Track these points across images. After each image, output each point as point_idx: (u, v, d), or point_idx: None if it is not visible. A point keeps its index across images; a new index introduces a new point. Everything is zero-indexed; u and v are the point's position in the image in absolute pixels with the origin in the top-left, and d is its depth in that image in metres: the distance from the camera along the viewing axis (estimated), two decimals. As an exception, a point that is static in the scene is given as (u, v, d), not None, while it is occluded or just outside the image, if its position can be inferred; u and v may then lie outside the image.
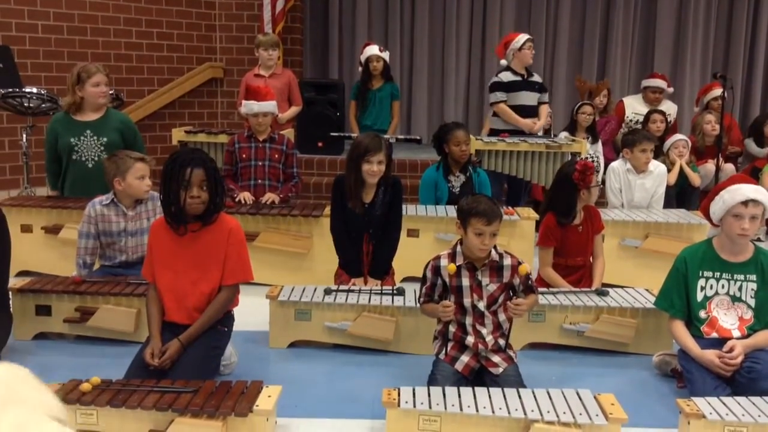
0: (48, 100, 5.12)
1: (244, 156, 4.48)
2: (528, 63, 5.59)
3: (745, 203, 2.75)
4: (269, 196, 4.41)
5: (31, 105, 5.10)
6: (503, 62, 5.72)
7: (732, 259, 2.86)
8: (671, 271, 2.96)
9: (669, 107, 6.44)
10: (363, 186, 3.58)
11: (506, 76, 5.61)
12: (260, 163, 4.48)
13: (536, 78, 5.69)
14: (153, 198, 3.67)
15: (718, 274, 2.86)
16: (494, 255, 2.78)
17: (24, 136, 5.21)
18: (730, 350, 2.71)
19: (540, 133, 5.79)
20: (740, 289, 2.84)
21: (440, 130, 4.60)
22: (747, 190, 2.77)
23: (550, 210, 3.78)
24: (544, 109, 5.68)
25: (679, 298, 2.90)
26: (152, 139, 6.91)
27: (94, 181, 4.09)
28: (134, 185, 3.59)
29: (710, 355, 2.73)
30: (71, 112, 4.33)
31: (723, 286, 2.86)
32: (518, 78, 5.58)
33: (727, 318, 2.85)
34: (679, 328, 2.89)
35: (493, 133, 5.67)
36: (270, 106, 4.49)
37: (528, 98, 5.60)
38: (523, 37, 5.61)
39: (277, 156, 4.50)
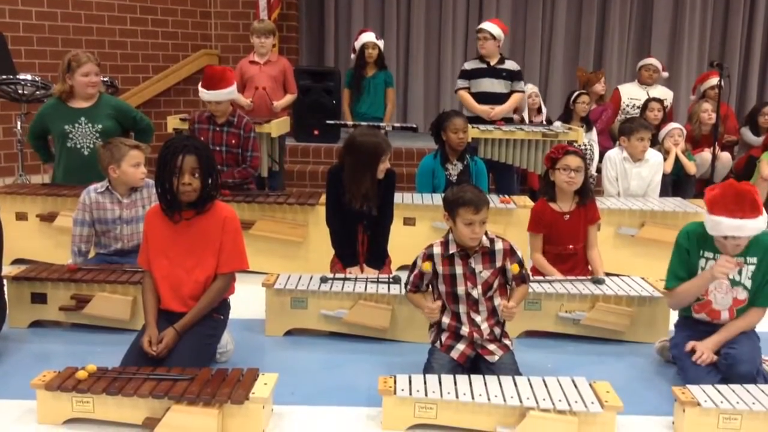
0: (42, 87, 5.10)
1: (202, 138, 4.31)
2: (481, 53, 5.52)
3: (725, 236, 2.74)
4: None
5: (25, 92, 5.07)
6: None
7: None
8: (675, 250, 2.93)
9: (665, 93, 6.43)
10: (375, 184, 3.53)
11: (470, 64, 5.61)
12: (217, 149, 4.36)
13: (508, 65, 5.58)
14: (148, 185, 3.65)
15: (718, 255, 2.84)
16: (485, 241, 2.78)
17: (18, 123, 5.19)
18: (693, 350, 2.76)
19: (549, 122, 5.79)
20: (740, 272, 2.83)
21: (438, 118, 4.57)
22: (725, 226, 2.70)
23: (541, 194, 3.78)
24: (514, 97, 5.55)
25: (687, 275, 2.88)
26: (147, 127, 6.88)
27: (89, 168, 4.05)
28: (129, 173, 3.57)
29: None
30: (63, 98, 4.29)
31: None
32: (483, 65, 5.55)
33: (724, 301, 2.85)
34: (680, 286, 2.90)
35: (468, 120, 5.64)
36: (221, 95, 4.27)
37: (490, 85, 5.52)
38: (477, 27, 5.56)
39: (234, 141, 4.39)
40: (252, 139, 4.46)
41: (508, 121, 5.54)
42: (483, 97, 5.52)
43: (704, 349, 2.75)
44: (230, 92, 4.35)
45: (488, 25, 5.54)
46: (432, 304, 2.76)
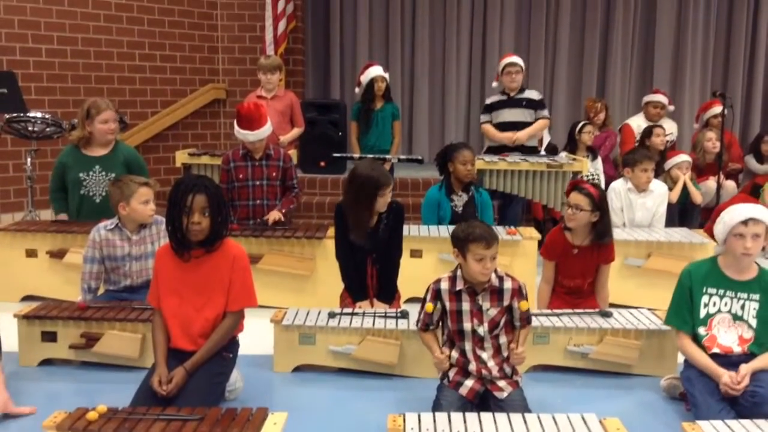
0: (52, 125, 5.17)
1: (241, 176, 4.43)
2: (509, 87, 5.73)
3: (745, 222, 2.76)
4: (274, 215, 4.40)
5: (35, 129, 5.14)
6: (494, 84, 5.96)
7: (736, 277, 2.87)
8: (677, 287, 2.96)
9: (670, 126, 6.46)
10: (372, 217, 3.56)
11: (491, 99, 5.88)
12: (258, 183, 4.44)
13: (528, 94, 5.78)
14: (157, 222, 3.69)
15: (722, 291, 2.87)
16: (494, 279, 2.79)
17: (28, 159, 5.25)
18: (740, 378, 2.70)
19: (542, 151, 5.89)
20: (743, 307, 2.85)
21: (446, 149, 4.60)
22: (746, 209, 2.79)
23: (562, 222, 3.75)
24: (538, 123, 5.76)
25: (689, 314, 2.89)
26: (156, 161, 6.95)
27: (101, 216, 4.07)
28: (138, 210, 3.61)
29: (723, 376, 2.72)
30: (81, 145, 4.38)
31: (726, 304, 2.86)
32: (503, 98, 5.78)
33: (727, 336, 2.85)
34: (690, 344, 2.88)
35: (489, 150, 5.76)
36: (264, 132, 4.38)
37: (510, 115, 5.74)
38: (504, 62, 5.77)
39: (275, 174, 4.47)
40: (292, 168, 4.58)
41: (531, 150, 5.72)
42: (503, 127, 5.75)
43: (741, 378, 2.70)
44: (269, 128, 4.45)
45: (518, 59, 5.77)
46: (440, 355, 2.77)
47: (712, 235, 3.01)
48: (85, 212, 4.37)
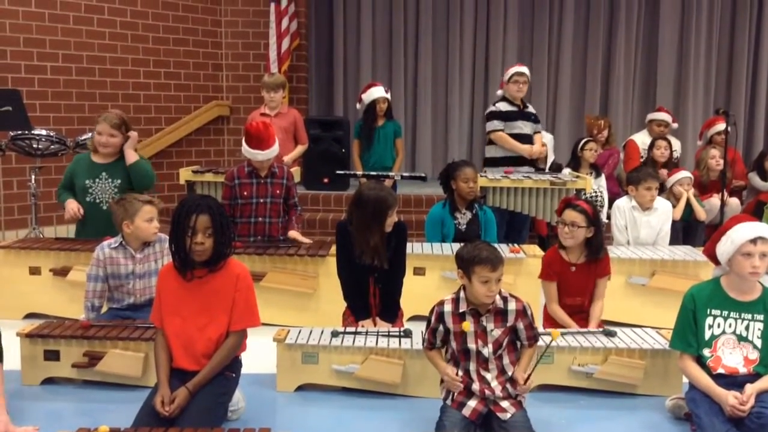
0: (57, 142, 5.20)
1: (245, 193, 4.44)
2: (514, 97, 5.69)
3: (754, 241, 2.75)
4: (296, 234, 4.53)
5: (40, 147, 5.18)
6: (499, 92, 5.84)
7: (740, 298, 2.85)
8: (681, 311, 2.94)
9: (673, 143, 6.46)
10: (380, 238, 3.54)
11: (503, 106, 5.74)
12: (262, 201, 4.46)
13: (531, 109, 5.83)
14: (161, 240, 3.69)
15: (726, 312, 2.85)
16: (498, 300, 2.78)
17: (33, 177, 5.27)
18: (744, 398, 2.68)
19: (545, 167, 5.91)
20: (747, 328, 2.83)
21: (448, 167, 4.62)
22: (754, 228, 2.78)
23: (557, 242, 3.76)
24: (539, 138, 5.82)
25: (693, 336, 2.87)
26: (160, 177, 6.93)
27: (108, 223, 4.06)
28: (142, 228, 3.61)
29: (728, 397, 2.70)
30: (91, 152, 4.44)
31: (730, 325, 2.84)
32: (515, 108, 5.71)
33: (732, 357, 2.83)
34: (693, 366, 2.86)
35: (489, 162, 5.74)
36: (273, 151, 4.42)
37: (524, 128, 5.73)
38: (512, 70, 5.73)
39: (278, 191, 4.50)
40: (294, 186, 4.65)
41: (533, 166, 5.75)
42: (518, 138, 5.70)
43: (747, 398, 2.68)
44: (277, 147, 4.49)
45: (526, 69, 5.76)
46: (454, 375, 2.75)
47: (710, 256, 2.97)
48: (93, 220, 4.36)
